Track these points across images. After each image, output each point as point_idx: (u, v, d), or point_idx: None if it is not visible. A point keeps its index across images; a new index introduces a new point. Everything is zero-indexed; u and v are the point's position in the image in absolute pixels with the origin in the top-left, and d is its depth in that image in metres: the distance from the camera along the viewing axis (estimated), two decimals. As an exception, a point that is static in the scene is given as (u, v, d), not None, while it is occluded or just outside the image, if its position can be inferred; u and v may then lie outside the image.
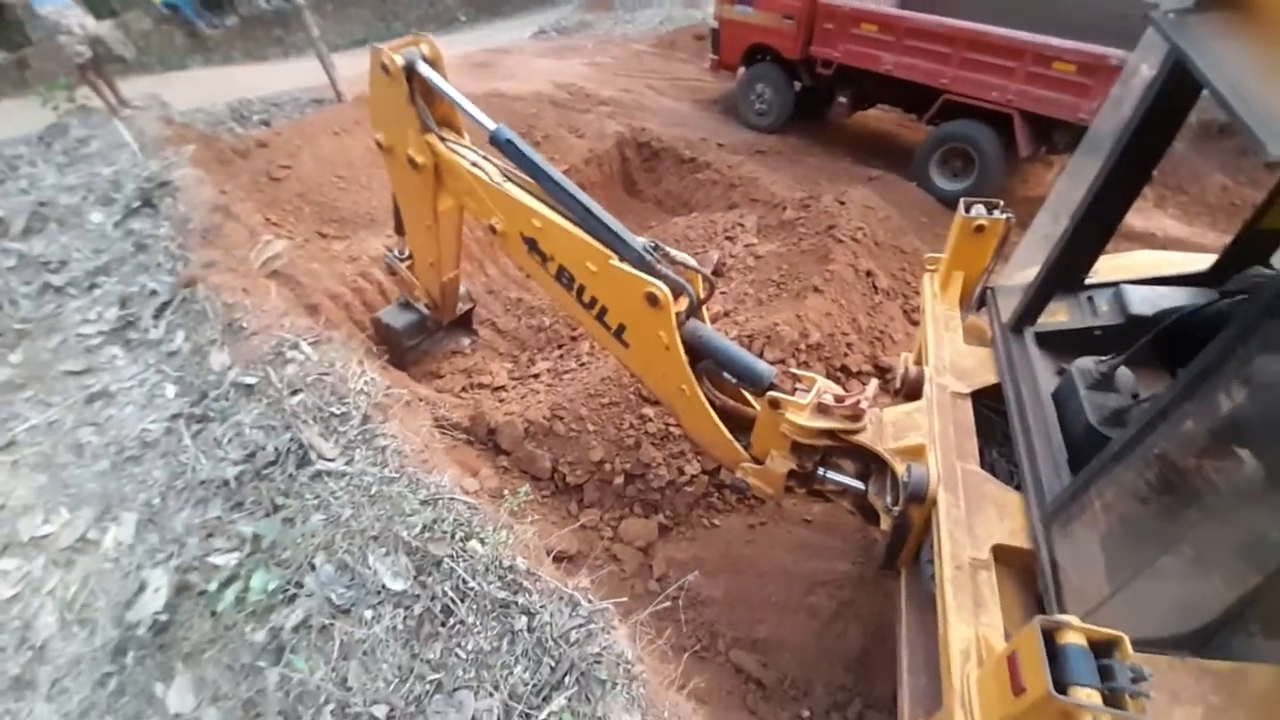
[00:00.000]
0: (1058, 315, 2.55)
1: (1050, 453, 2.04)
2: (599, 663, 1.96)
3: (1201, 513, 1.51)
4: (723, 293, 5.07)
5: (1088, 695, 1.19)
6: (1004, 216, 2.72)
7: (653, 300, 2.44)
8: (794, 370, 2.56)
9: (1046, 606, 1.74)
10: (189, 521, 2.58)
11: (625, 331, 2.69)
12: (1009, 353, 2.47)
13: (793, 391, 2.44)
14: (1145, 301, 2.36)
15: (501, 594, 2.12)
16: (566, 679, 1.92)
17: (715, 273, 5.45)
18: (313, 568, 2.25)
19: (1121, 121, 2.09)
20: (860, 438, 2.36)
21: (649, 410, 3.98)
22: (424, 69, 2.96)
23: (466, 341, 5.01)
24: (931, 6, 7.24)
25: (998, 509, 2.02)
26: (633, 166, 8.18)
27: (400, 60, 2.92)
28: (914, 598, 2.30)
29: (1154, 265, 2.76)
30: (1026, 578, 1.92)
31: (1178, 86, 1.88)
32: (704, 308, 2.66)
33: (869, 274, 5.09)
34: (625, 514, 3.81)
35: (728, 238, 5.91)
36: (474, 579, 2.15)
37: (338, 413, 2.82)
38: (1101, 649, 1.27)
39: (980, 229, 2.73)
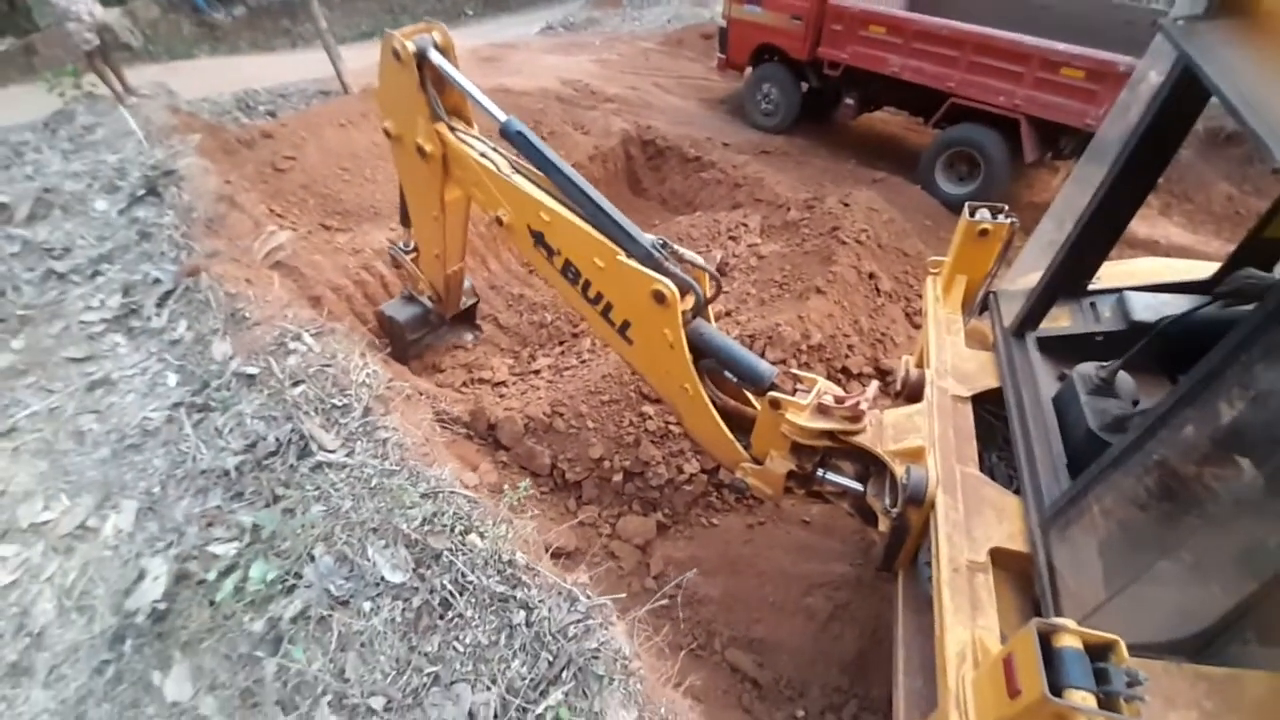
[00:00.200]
0: (1060, 320, 2.55)
1: (1050, 457, 2.04)
2: (596, 658, 1.96)
3: (1200, 519, 1.52)
4: (725, 292, 5.07)
5: (1083, 698, 1.19)
6: (1008, 221, 2.72)
7: (659, 298, 2.44)
8: (795, 371, 2.56)
9: (1043, 610, 1.74)
10: (189, 510, 2.58)
11: (630, 328, 2.69)
12: (1010, 357, 2.47)
13: (793, 392, 2.44)
14: (1148, 308, 2.36)
15: (500, 588, 2.13)
16: (564, 674, 1.93)
17: (718, 272, 5.45)
18: (312, 559, 2.25)
19: (1128, 128, 2.09)
20: (860, 439, 2.36)
21: (649, 408, 3.98)
22: (435, 57, 2.94)
23: (470, 337, 5.01)
24: (939, 9, 7.23)
25: (996, 512, 2.03)
26: (638, 164, 8.17)
27: (412, 46, 2.90)
28: (911, 600, 2.30)
29: (1157, 272, 2.76)
30: (1024, 581, 1.93)
31: (1185, 93, 1.88)
32: (709, 307, 2.66)
33: (872, 276, 5.08)
34: (624, 511, 3.81)
35: (731, 237, 5.91)
36: (473, 573, 2.16)
37: (339, 404, 2.83)
38: (1097, 653, 1.27)
39: (984, 233, 2.73)
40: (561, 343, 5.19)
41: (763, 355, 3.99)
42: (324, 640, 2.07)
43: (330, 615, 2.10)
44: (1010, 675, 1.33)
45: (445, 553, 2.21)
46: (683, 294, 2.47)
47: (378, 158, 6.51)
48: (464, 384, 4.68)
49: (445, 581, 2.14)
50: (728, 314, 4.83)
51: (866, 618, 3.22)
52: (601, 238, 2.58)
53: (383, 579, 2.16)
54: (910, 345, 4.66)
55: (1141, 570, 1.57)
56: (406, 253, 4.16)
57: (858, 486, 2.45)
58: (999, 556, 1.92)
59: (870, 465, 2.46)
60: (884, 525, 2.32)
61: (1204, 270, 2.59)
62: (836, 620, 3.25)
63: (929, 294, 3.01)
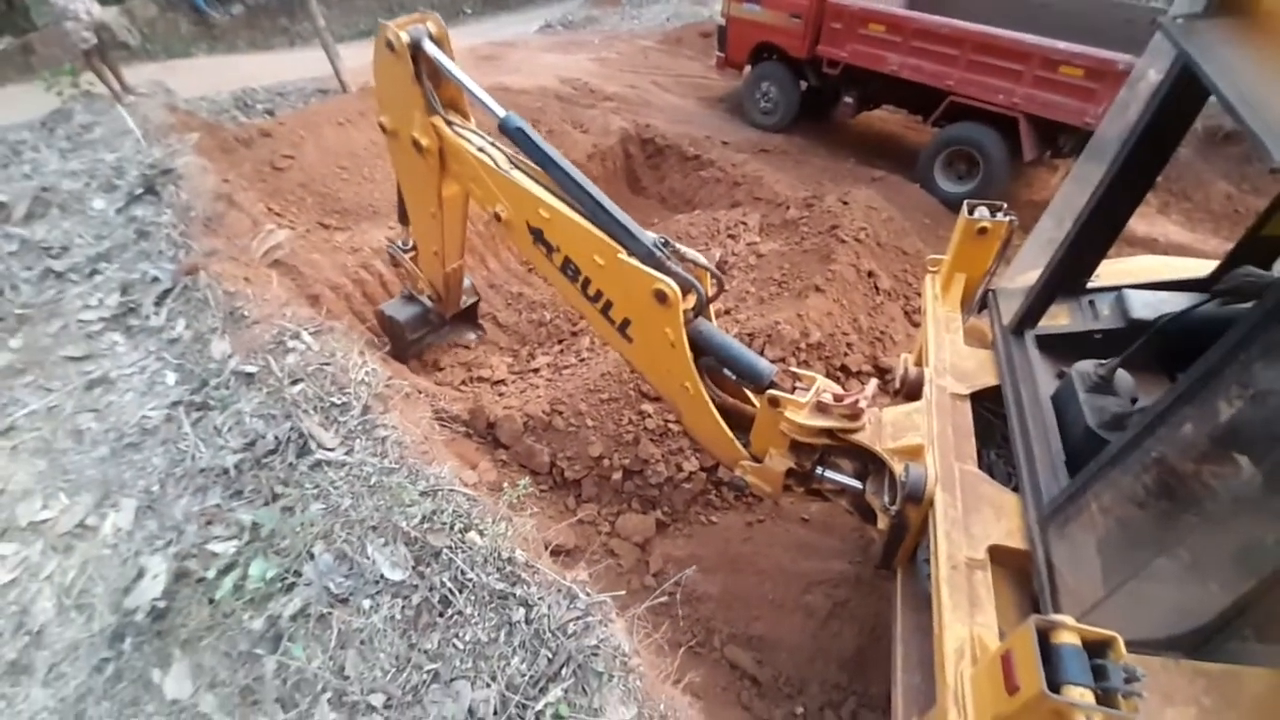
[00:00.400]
0: (1059, 318, 2.56)
1: (1048, 455, 2.04)
2: (596, 655, 1.96)
3: (1198, 517, 1.52)
4: (724, 290, 5.07)
5: (1081, 694, 1.20)
6: (1007, 219, 2.72)
7: (661, 297, 2.43)
8: (794, 369, 2.56)
9: (1041, 607, 1.74)
10: (188, 509, 2.58)
11: (630, 326, 2.69)
12: (1009, 355, 2.47)
13: (792, 390, 2.44)
14: (1146, 306, 2.36)
15: (499, 585, 2.13)
16: (563, 671, 1.93)
17: (718, 270, 5.45)
18: (311, 557, 2.25)
19: (1127, 126, 2.09)
20: (859, 437, 2.37)
21: (648, 406, 3.98)
22: (430, 48, 2.91)
23: (472, 336, 4.99)
24: (939, 8, 7.23)
25: (995, 510, 2.03)
26: (637, 163, 8.17)
27: (406, 37, 2.87)
28: (910, 597, 2.31)
29: (1156, 270, 2.77)
30: (1022, 578, 1.93)
31: (1184, 92, 1.88)
32: (710, 305, 2.65)
33: (871, 274, 5.09)
34: (623, 509, 3.81)
35: (730, 236, 5.91)
36: (472, 570, 2.16)
37: (338, 403, 2.82)
38: (1095, 649, 1.28)
39: (983, 231, 2.74)
40: (560, 341, 5.19)
41: (762, 353, 3.98)
42: (324, 638, 2.07)
43: (330, 613, 2.10)
44: (1009, 672, 1.34)
45: (445, 550, 2.21)
46: (684, 293, 2.46)
47: (376, 156, 6.50)
48: (463, 382, 4.68)
49: (445, 579, 2.14)
50: (727, 312, 4.83)
51: (865, 615, 3.22)
52: (602, 235, 2.57)
53: (382, 577, 2.16)
54: (909, 343, 4.66)
55: (1139, 567, 1.57)
56: (405, 251, 4.13)
57: (857, 484, 2.45)
58: (997, 554, 1.92)
59: (869, 463, 2.47)
60: (883, 523, 2.32)
61: (1202, 268, 2.60)
62: (835, 618, 3.25)
63: (928, 292, 3.01)
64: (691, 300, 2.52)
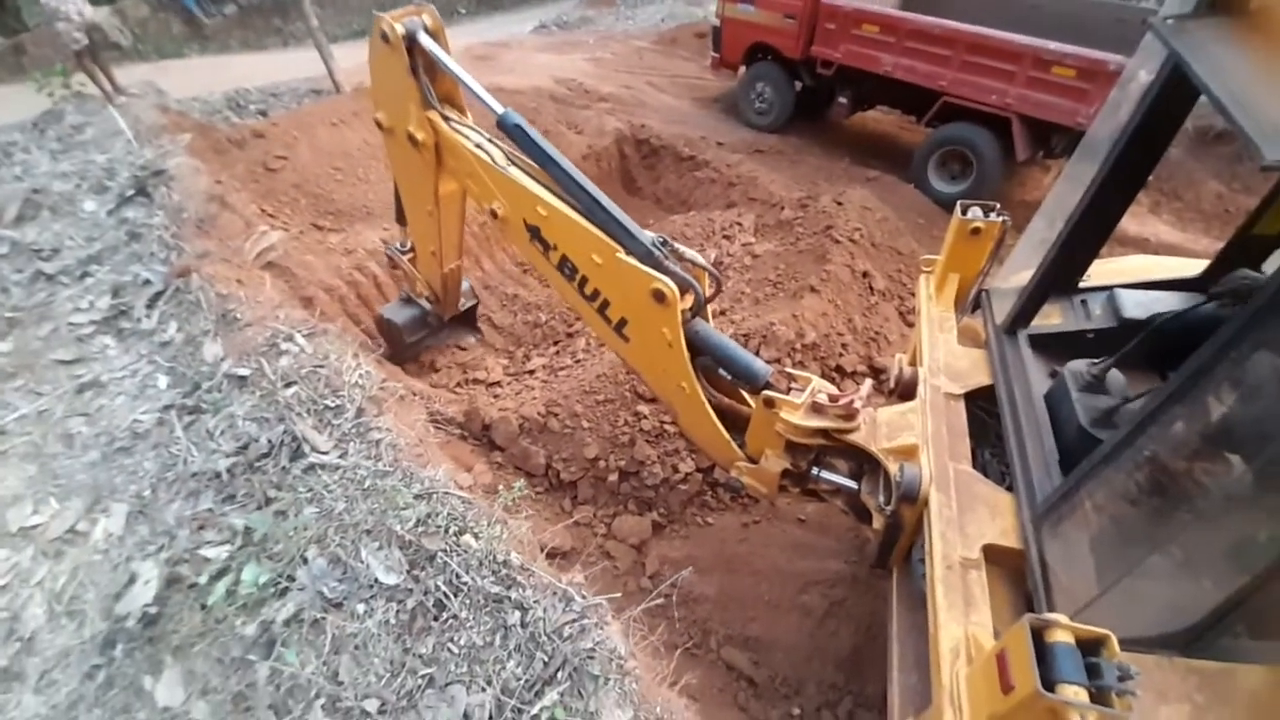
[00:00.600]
0: (1052, 318, 2.57)
1: (1042, 454, 2.05)
2: (592, 658, 1.96)
3: (1190, 514, 1.53)
4: (721, 291, 5.07)
5: (1075, 693, 1.20)
6: (1000, 219, 2.73)
7: (659, 297, 2.42)
8: (789, 370, 2.56)
9: (1036, 606, 1.75)
10: (180, 513, 2.56)
11: (627, 326, 2.68)
12: (1003, 354, 2.48)
13: (788, 391, 2.44)
14: (1138, 305, 2.37)
15: (495, 589, 2.12)
16: (559, 674, 1.92)
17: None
18: (305, 561, 2.24)
19: (1118, 126, 2.10)
20: (854, 437, 2.37)
21: (644, 408, 3.98)
22: (425, 40, 2.89)
23: (471, 340, 4.96)
24: (932, 9, 7.26)
25: (989, 509, 2.04)
26: (632, 164, 8.17)
27: (401, 29, 2.85)
28: (905, 597, 2.31)
29: (1147, 270, 2.78)
30: (1017, 577, 1.94)
31: (1175, 92, 1.89)
32: (708, 306, 2.65)
33: (865, 275, 5.10)
34: (619, 511, 3.81)
35: (725, 236, 5.92)
36: (467, 573, 2.15)
37: (332, 405, 2.81)
38: (1089, 647, 1.28)
39: (976, 231, 2.74)
40: (556, 342, 5.18)
41: (757, 354, 3.99)
42: (317, 643, 2.05)
43: (323, 618, 2.09)
44: (1003, 671, 1.34)
45: (439, 554, 2.20)
46: (682, 293, 2.45)
47: (370, 157, 6.48)
48: (458, 384, 4.67)
49: (439, 583, 2.13)
50: (722, 312, 4.83)
51: (862, 615, 3.23)
52: (600, 234, 2.55)
53: (376, 581, 2.15)
54: (904, 343, 4.67)
55: (1133, 565, 1.58)
56: (403, 253, 4.11)
57: (852, 484, 2.45)
58: (992, 553, 1.93)
59: (864, 463, 2.47)
60: (878, 523, 2.33)
61: (1193, 268, 2.61)
62: (832, 617, 3.26)
63: (922, 292, 3.02)
64: (689, 300, 2.51)
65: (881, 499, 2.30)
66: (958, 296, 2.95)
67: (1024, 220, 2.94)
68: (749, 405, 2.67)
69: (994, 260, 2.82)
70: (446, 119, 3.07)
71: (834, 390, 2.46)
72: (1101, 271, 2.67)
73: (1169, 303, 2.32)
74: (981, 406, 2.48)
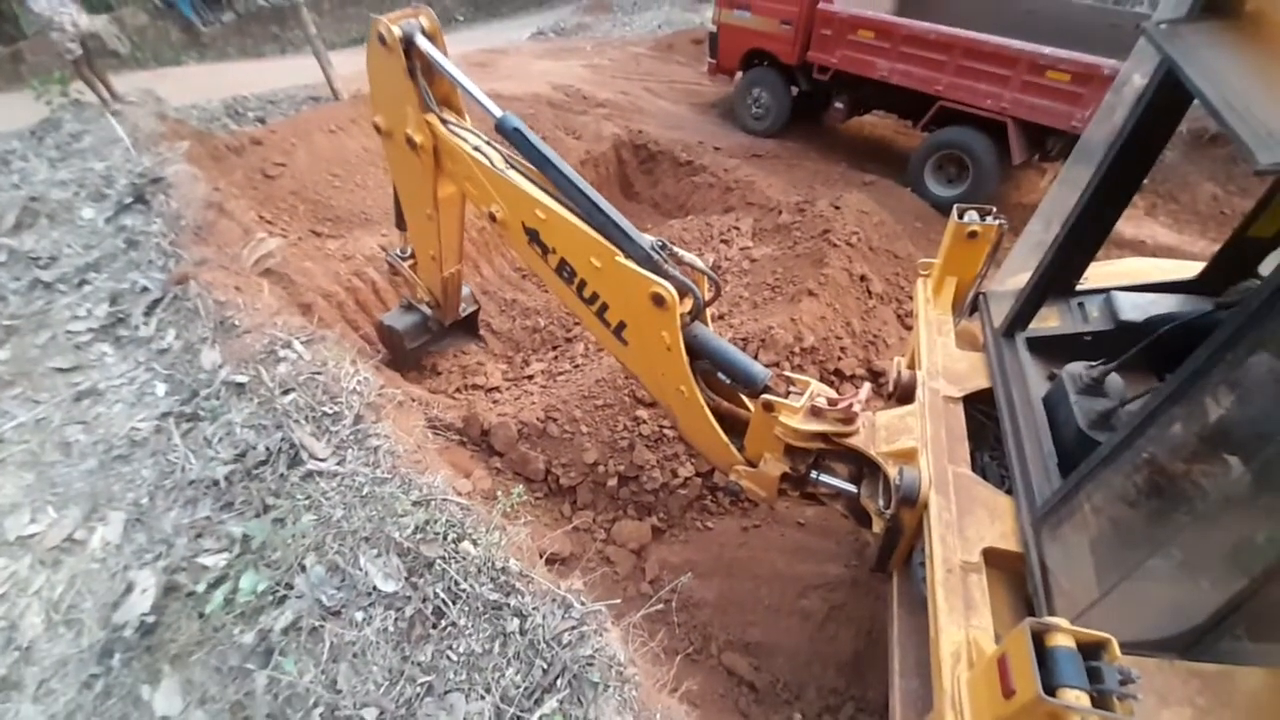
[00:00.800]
0: (1049, 321, 2.57)
1: (1040, 456, 2.05)
2: (591, 665, 1.95)
3: (1189, 516, 1.53)
4: (720, 294, 5.08)
5: (1076, 697, 1.20)
6: (997, 222, 2.74)
7: (658, 301, 2.42)
8: (788, 373, 2.56)
9: (1036, 609, 1.75)
10: (178, 521, 2.55)
11: (625, 329, 2.68)
12: (1001, 357, 2.48)
13: (786, 395, 2.44)
14: (1135, 308, 2.38)
15: (493, 596, 2.12)
16: (558, 681, 1.92)
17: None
18: (303, 569, 2.23)
19: (1113, 130, 2.11)
20: (853, 441, 2.37)
21: (643, 412, 3.98)
22: (423, 43, 2.89)
23: (473, 345, 4.95)
24: (927, 14, 7.30)
25: (988, 512, 2.03)
26: (630, 169, 8.20)
27: (398, 31, 2.85)
28: (906, 600, 2.31)
29: (1144, 272, 2.79)
30: (1017, 581, 1.93)
31: (1169, 96, 1.90)
32: (706, 309, 2.65)
33: (863, 278, 5.11)
34: (618, 516, 3.80)
35: (723, 240, 5.93)
36: (466, 580, 2.14)
37: (330, 412, 2.80)
38: (1090, 651, 1.28)
39: (973, 235, 2.75)
40: (555, 347, 5.18)
41: (755, 358, 3.99)
42: (315, 651, 2.04)
43: (322, 626, 2.08)
44: (1004, 675, 1.34)
45: (438, 561, 2.19)
46: (681, 297, 2.45)
47: (369, 164, 6.50)
48: (457, 390, 4.66)
49: (438, 590, 2.12)
50: (720, 317, 4.84)
51: (862, 619, 3.22)
52: (599, 238, 2.55)
53: (375, 588, 2.14)
54: (902, 347, 4.68)
55: (1132, 568, 1.58)
56: (403, 259, 4.11)
57: (851, 488, 2.45)
58: (992, 556, 1.93)
59: (864, 467, 2.47)
60: (878, 526, 2.33)
61: (1189, 270, 2.62)
62: (832, 622, 3.25)
63: (919, 295, 3.03)
64: (688, 304, 2.52)
65: (881, 502, 2.30)
66: (955, 299, 2.96)
67: (1020, 223, 2.95)
68: (748, 409, 2.68)
69: (991, 263, 2.82)
70: (444, 122, 3.07)
71: (832, 394, 2.46)
72: (1098, 274, 2.68)
73: (1166, 305, 2.33)
74: (980, 409, 2.48)
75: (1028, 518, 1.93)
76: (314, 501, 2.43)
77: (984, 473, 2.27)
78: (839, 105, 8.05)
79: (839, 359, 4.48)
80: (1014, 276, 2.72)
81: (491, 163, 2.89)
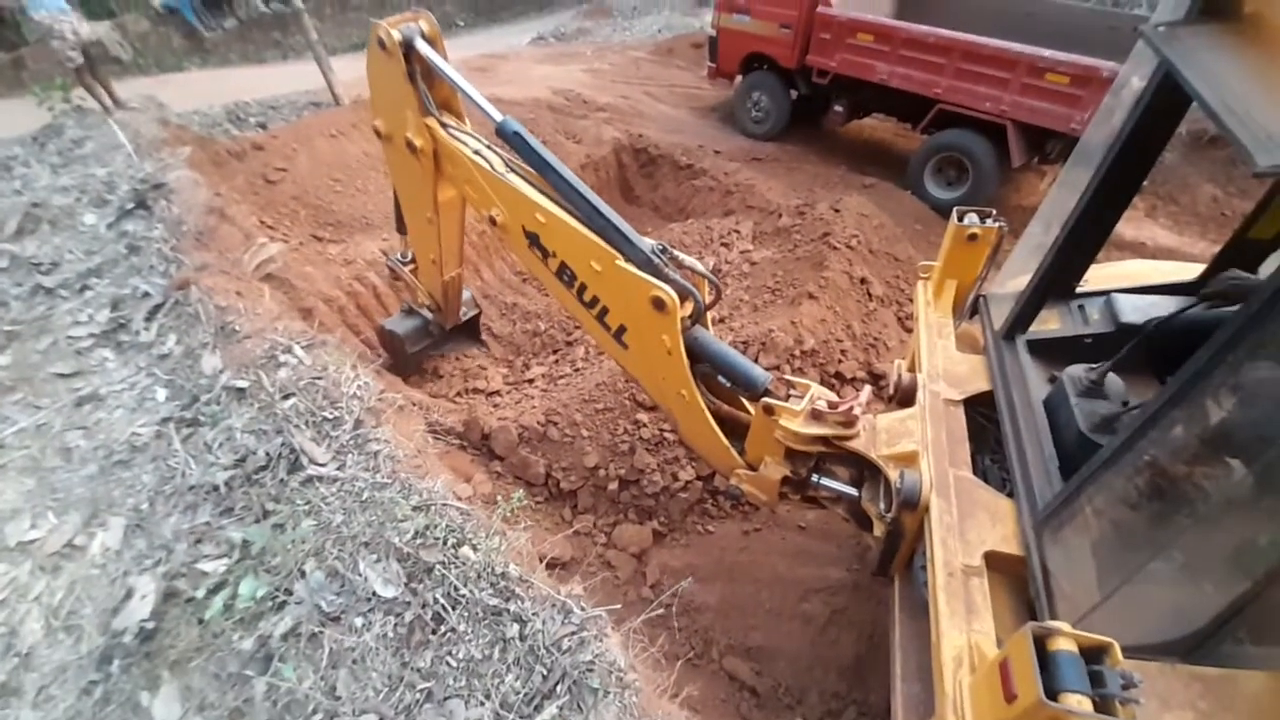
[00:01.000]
0: (1049, 323, 2.57)
1: (1042, 459, 2.05)
2: (591, 671, 1.94)
3: (1191, 519, 1.52)
4: (721, 298, 5.08)
5: (1078, 702, 1.19)
6: (996, 225, 2.74)
7: (659, 305, 2.42)
8: (788, 377, 2.56)
9: (1038, 613, 1.74)
10: (177, 527, 2.55)
11: (626, 333, 2.68)
12: (1001, 360, 2.48)
13: (787, 398, 2.44)
14: (1135, 310, 2.38)
15: (493, 601, 2.11)
16: (558, 687, 1.91)
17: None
18: (303, 574, 2.22)
19: (1112, 132, 2.12)
20: (854, 444, 2.36)
21: (643, 416, 3.97)
22: (423, 47, 2.90)
23: (475, 350, 4.95)
24: (925, 17, 7.32)
25: (990, 515, 2.03)
26: (630, 172, 8.22)
27: (398, 35, 2.86)
28: (907, 604, 2.30)
29: (1144, 274, 2.79)
30: (1018, 584, 1.93)
31: (1167, 98, 1.90)
32: (707, 313, 2.65)
33: (863, 281, 5.11)
34: (619, 520, 3.79)
35: (723, 244, 5.94)
36: (466, 586, 2.14)
37: (330, 417, 2.80)
38: (1092, 655, 1.27)
39: (973, 237, 2.75)
40: (555, 351, 5.18)
41: (756, 361, 3.99)
42: (315, 658, 2.04)
43: (321, 632, 2.08)
44: (1006, 680, 1.33)
45: (438, 566, 2.19)
46: (682, 300, 2.45)
47: (369, 168, 6.52)
48: (458, 394, 4.66)
49: (438, 595, 2.12)
50: (721, 320, 4.84)
51: (864, 622, 3.21)
52: (600, 241, 2.55)
53: (374, 594, 2.14)
54: (902, 349, 4.68)
55: (1134, 571, 1.57)
56: (404, 264, 4.11)
57: (852, 491, 2.44)
58: (993, 560, 1.92)
59: (864, 470, 2.46)
60: (879, 530, 2.32)
61: (1190, 272, 2.62)
62: (834, 625, 3.24)
63: (920, 298, 3.03)
64: (689, 308, 2.51)
65: (882, 506, 2.29)
66: (955, 302, 2.96)
67: (1020, 225, 2.95)
68: (748, 413, 2.67)
69: (991, 266, 2.83)
70: (445, 125, 3.08)
71: (833, 397, 2.46)
72: (1098, 276, 2.68)
73: (1166, 307, 2.32)
74: (981, 412, 2.48)
75: (1029, 521, 1.93)
76: (314, 507, 2.42)
77: (985, 476, 2.26)
78: (838, 108, 8.07)
79: (839, 362, 4.48)
80: (1014, 279, 2.72)
81: (491, 166, 2.89)
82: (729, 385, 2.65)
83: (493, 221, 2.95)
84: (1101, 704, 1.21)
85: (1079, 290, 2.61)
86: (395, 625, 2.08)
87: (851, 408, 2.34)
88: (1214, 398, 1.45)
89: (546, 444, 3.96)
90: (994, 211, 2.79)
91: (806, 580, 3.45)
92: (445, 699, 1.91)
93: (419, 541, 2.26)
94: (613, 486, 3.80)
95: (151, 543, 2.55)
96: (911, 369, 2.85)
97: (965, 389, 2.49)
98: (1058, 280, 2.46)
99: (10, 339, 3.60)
